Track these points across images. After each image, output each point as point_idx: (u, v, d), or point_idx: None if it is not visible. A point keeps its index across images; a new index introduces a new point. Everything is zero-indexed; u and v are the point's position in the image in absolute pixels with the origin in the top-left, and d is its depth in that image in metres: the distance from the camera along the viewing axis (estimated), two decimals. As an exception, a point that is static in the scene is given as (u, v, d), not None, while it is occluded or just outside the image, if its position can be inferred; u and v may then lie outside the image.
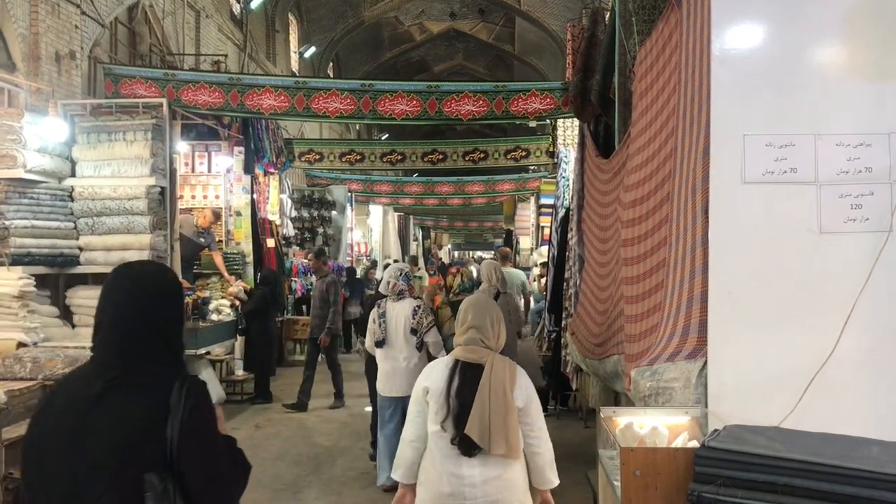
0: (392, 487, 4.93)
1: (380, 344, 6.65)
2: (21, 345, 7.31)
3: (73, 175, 8.59)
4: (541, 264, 13.96)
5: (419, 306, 6.78)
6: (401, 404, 6.36)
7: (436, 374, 3.55)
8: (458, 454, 3.40)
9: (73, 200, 8.53)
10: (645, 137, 4.66)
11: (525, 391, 3.51)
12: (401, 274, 6.82)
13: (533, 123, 18.26)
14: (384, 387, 6.68)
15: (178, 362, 2.30)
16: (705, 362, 3.09)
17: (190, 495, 2.12)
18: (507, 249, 14.80)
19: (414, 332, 6.61)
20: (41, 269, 7.97)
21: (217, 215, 10.85)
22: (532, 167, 20.11)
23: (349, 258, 18.69)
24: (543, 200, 16.36)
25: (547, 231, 16.81)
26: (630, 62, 5.54)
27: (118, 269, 2.39)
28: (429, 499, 3.48)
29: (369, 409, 8.23)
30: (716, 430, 2.66)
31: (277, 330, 11.90)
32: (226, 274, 10.50)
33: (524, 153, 15.41)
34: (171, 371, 2.21)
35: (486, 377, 3.42)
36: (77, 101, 9.13)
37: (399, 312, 6.67)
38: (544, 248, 16.40)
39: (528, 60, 28.87)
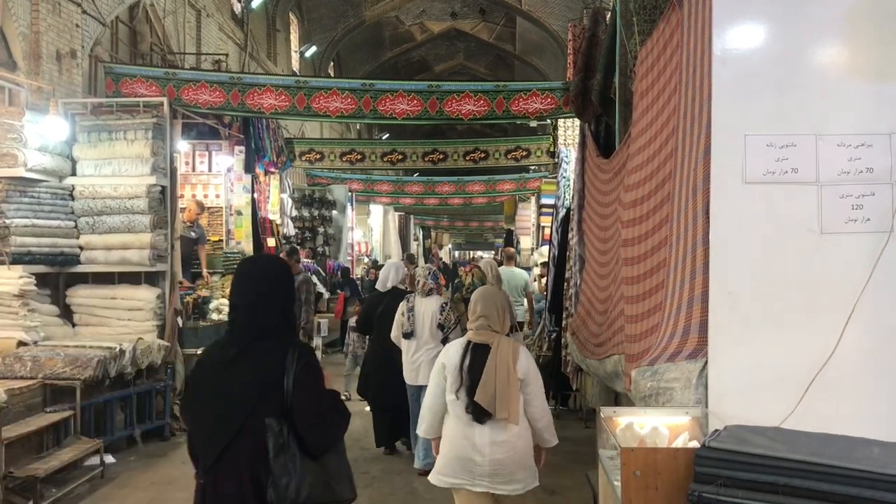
0: (425, 472, 5.45)
1: (408, 335, 7.13)
2: (21, 343, 7.32)
3: (73, 174, 8.60)
4: (541, 264, 13.94)
5: (446, 303, 7.35)
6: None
7: (451, 353, 4.26)
8: (470, 419, 4.08)
9: (73, 199, 8.54)
10: (645, 137, 4.66)
11: (525, 366, 4.16)
12: (429, 273, 7.43)
13: (534, 123, 18.27)
14: (411, 376, 7.14)
15: (291, 331, 3.05)
16: (706, 362, 3.09)
17: (300, 435, 2.77)
18: (512, 250, 14.90)
19: (441, 326, 7.12)
20: (41, 268, 7.98)
21: (202, 206, 10.69)
22: (533, 167, 20.11)
23: (349, 258, 18.68)
24: (544, 200, 16.33)
25: (547, 231, 16.79)
26: (631, 62, 5.53)
27: (245, 262, 3.30)
28: (449, 454, 4.20)
29: (368, 408, 8.25)
30: (716, 431, 2.66)
31: None
32: (205, 270, 10.38)
33: (525, 153, 15.41)
34: (287, 338, 2.93)
35: (492, 355, 4.10)
36: (78, 99, 9.13)
37: (427, 308, 7.15)
38: (545, 248, 16.38)
39: (528, 60, 28.86)
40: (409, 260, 14.18)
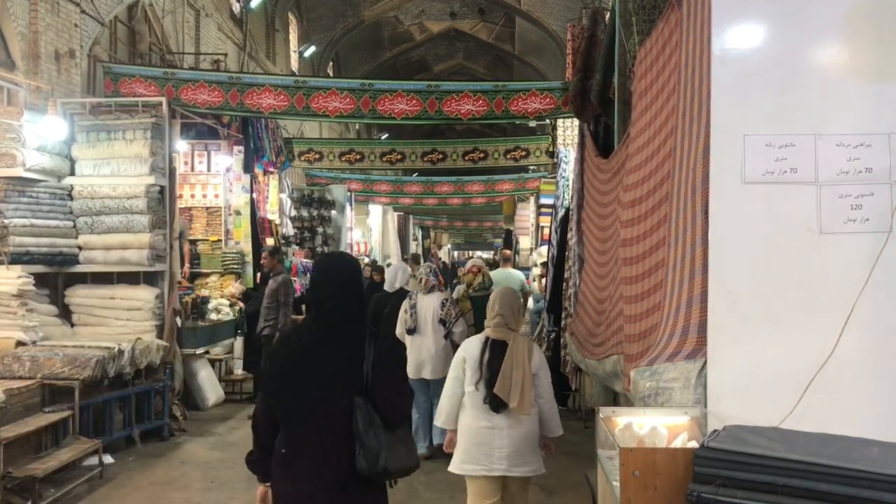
0: (426, 457, 5.97)
1: (411, 332, 7.35)
2: (20, 343, 7.32)
3: (72, 174, 8.60)
4: (541, 264, 13.96)
5: (447, 299, 7.62)
6: (429, 385, 7.25)
7: (471, 348, 4.61)
8: (487, 409, 4.43)
9: (72, 199, 8.53)
10: (644, 137, 4.66)
11: (538, 361, 4.55)
12: (430, 270, 7.81)
13: (533, 123, 18.29)
14: (414, 371, 7.27)
15: (366, 320, 3.48)
16: (705, 362, 3.09)
17: (378, 409, 3.14)
18: (509, 252, 15.01)
19: (442, 322, 7.37)
20: (40, 268, 7.97)
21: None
22: (532, 167, 20.10)
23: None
24: (543, 200, 16.35)
25: (546, 231, 16.80)
26: (630, 62, 5.53)
27: (326, 260, 3.83)
28: (467, 444, 4.52)
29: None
30: (715, 431, 2.66)
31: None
32: (185, 267, 10.28)
33: (524, 153, 15.41)
34: (363, 326, 3.33)
35: (509, 351, 4.45)
36: (76, 99, 9.12)
37: (428, 304, 7.42)
38: (544, 248, 16.38)
39: (528, 60, 28.86)
40: (414, 260, 14.18)
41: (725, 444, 2.50)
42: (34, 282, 7.64)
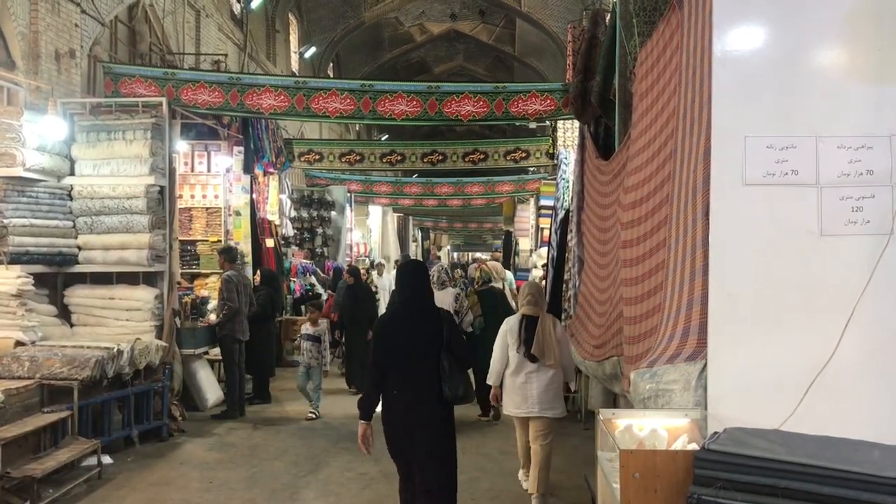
0: None
1: None
2: (19, 343, 7.31)
3: (72, 174, 8.59)
4: (541, 266, 14.00)
5: (459, 293, 9.01)
6: None
7: (512, 322, 6.38)
8: (525, 366, 6.21)
9: (71, 199, 8.52)
10: (645, 139, 4.66)
11: (560, 332, 6.40)
12: (442, 270, 9.31)
13: (533, 125, 18.28)
14: None
15: (434, 302, 5.10)
16: (705, 364, 3.08)
17: (457, 358, 4.79)
18: (499, 255, 15.61)
19: (456, 312, 8.65)
20: (39, 268, 7.96)
21: None
22: (532, 168, 20.10)
23: (348, 259, 18.66)
24: (543, 202, 16.36)
25: (546, 232, 16.82)
26: (631, 63, 5.53)
27: (407, 265, 5.41)
28: (513, 394, 6.29)
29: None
30: (716, 433, 2.65)
31: (276, 330, 11.85)
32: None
33: (524, 154, 15.40)
34: (435, 308, 4.99)
35: (540, 324, 6.22)
36: (77, 99, 9.11)
37: (443, 299, 8.20)
38: (543, 250, 16.40)
39: (528, 62, 28.85)
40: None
41: (726, 446, 2.49)
42: (33, 282, 7.63)
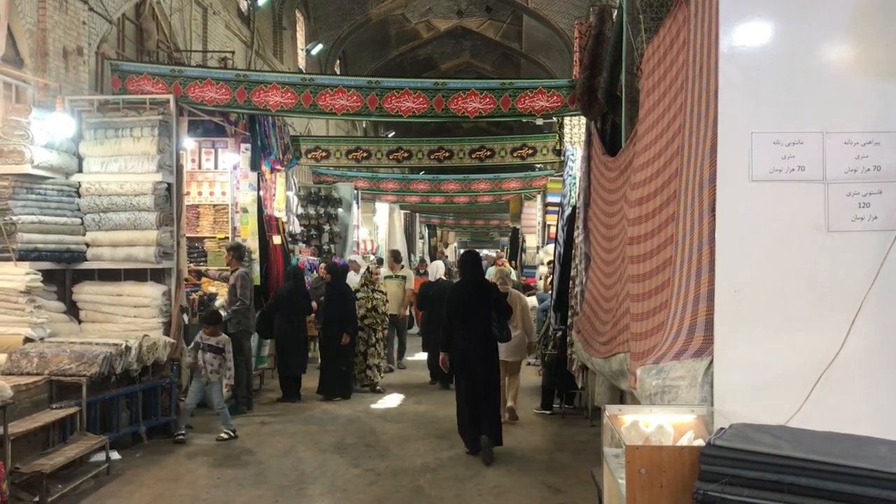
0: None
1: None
2: (28, 340, 7.33)
3: (80, 171, 8.62)
4: (547, 263, 13.97)
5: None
6: None
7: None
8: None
9: (79, 196, 8.55)
10: (652, 135, 4.65)
11: (523, 303, 9.30)
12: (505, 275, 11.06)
13: (540, 121, 18.21)
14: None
15: (484, 277, 8.70)
16: (711, 360, 3.08)
17: (500, 314, 7.84)
18: (501, 252, 16.34)
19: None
20: (48, 265, 7.99)
21: None
22: (538, 165, 20.06)
23: (355, 255, 18.66)
24: (550, 199, 16.36)
25: (553, 229, 16.79)
26: (637, 59, 5.52)
27: (467, 254, 8.49)
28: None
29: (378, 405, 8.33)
30: (722, 429, 2.65)
31: (303, 327, 11.31)
32: None
33: (531, 151, 15.37)
34: (485, 280, 8.59)
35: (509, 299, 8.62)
36: (84, 96, 9.13)
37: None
38: (550, 247, 16.36)
39: (535, 58, 28.81)
40: (394, 258, 14.09)
41: (732, 442, 2.49)
42: (42, 278, 7.65)
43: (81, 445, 6.61)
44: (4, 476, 4.81)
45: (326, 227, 17.50)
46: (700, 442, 2.81)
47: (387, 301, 11.83)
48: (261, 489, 6.56)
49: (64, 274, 8.59)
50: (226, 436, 8.16)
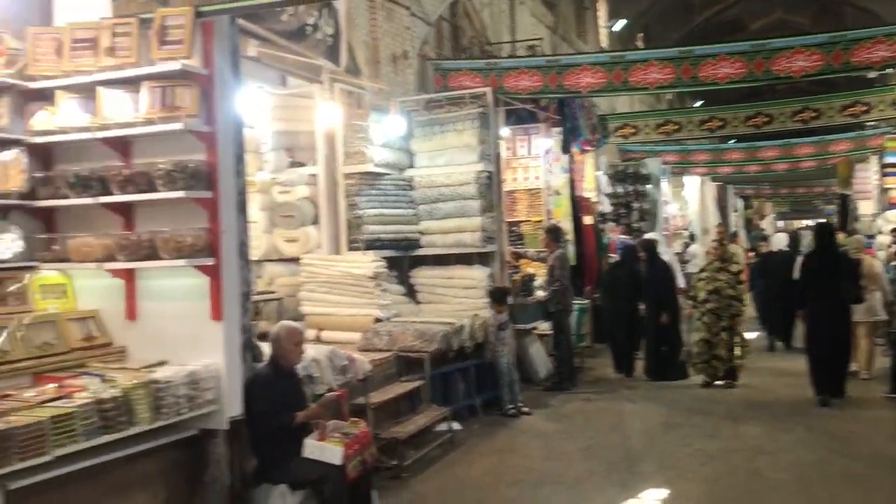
0: None
1: None
2: (377, 320, 8.17)
3: (411, 166, 9.42)
4: (891, 231, 12.57)
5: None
6: None
7: None
8: None
9: (412, 189, 9.36)
10: None
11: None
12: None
13: (872, 74, 16.32)
14: None
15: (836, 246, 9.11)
16: None
17: (850, 279, 8.56)
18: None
19: None
20: (389, 253, 8.85)
21: None
22: (871, 122, 17.94)
23: (666, 232, 18.15)
24: (888, 159, 14.71)
25: (894, 193, 15.07)
26: None
27: (821, 225, 9.50)
28: None
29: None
30: None
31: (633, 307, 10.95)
32: None
33: (864, 108, 13.74)
34: (837, 249, 9.04)
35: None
36: (412, 97, 9.94)
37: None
38: (892, 213, 14.70)
39: (863, 6, 25.73)
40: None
41: None
42: (386, 265, 8.49)
43: (429, 415, 7.23)
44: (372, 440, 5.42)
45: (635, 205, 17.23)
46: None
47: (740, 282, 10.11)
48: (591, 463, 6.70)
49: (402, 260, 9.45)
50: (513, 409, 8.41)
